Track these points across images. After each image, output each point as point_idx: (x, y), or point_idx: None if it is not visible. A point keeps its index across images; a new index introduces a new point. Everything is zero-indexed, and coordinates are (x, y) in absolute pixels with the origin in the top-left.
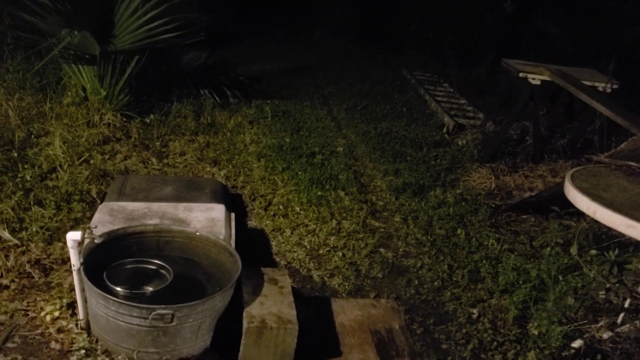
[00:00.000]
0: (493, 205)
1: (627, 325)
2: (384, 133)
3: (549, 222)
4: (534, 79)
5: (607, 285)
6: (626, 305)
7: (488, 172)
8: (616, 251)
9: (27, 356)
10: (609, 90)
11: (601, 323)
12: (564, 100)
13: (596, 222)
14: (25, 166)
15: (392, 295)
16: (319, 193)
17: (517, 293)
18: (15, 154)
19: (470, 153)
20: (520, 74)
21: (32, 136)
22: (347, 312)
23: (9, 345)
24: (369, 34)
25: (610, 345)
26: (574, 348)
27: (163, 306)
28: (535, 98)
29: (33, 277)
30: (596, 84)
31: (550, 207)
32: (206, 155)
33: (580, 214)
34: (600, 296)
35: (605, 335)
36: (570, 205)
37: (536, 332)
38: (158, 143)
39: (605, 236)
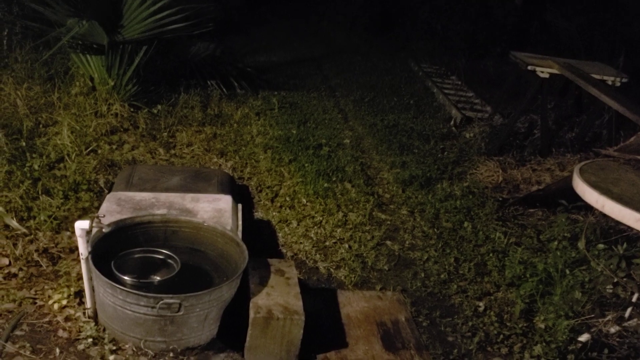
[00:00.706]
0: (500, 199)
1: (635, 320)
2: (391, 125)
3: (556, 216)
4: (542, 71)
5: (615, 280)
6: (634, 299)
7: (495, 165)
8: (624, 245)
9: (35, 344)
10: (618, 84)
11: (608, 317)
12: (573, 93)
13: (604, 216)
14: (34, 155)
15: (398, 287)
16: (326, 185)
17: (523, 286)
18: (24, 143)
19: (477, 146)
20: (529, 67)
21: (40, 126)
22: (353, 304)
23: (17, 333)
24: (377, 25)
25: (618, 339)
26: (580, 342)
27: (170, 295)
28: (543, 91)
29: (41, 266)
30: (605, 78)
31: (558, 201)
32: (213, 146)
33: (588, 208)
34: (607, 290)
35: (612, 330)
36: (578, 198)
37: (543, 326)
38: (165, 133)
39: (613, 230)
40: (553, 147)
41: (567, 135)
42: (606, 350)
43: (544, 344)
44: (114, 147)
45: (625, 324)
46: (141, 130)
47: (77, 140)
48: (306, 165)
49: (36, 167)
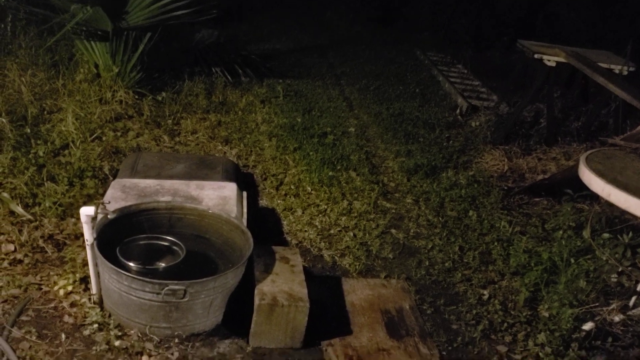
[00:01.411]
0: (505, 188)
1: (639, 308)
2: (396, 114)
3: (561, 205)
4: (549, 60)
5: (620, 269)
6: (638, 288)
7: (501, 154)
8: (630, 234)
9: (41, 329)
10: (625, 73)
11: (613, 306)
12: (579, 82)
13: (610, 205)
14: (38, 142)
15: (402, 275)
16: (331, 173)
17: (528, 275)
18: (28, 130)
19: (483, 135)
20: (536, 55)
21: (45, 112)
22: (357, 292)
23: (23, 318)
24: (381, 14)
25: (622, 328)
26: (584, 330)
27: (175, 282)
28: (550, 80)
29: (46, 252)
30: (612, 67)
31: (564, 190)
32: (218, 134)
33: (593, 197)
34: (612, 279)
35: (616, 318)
36: (583, 188)
37: (547, 314)
38: (170, 121)
39: (619, 220)
40: (559, 136)
41: (573, 124)
42: (610, 339)
43: (547, 332)
44: (119, 134)
45: (630, 312)
46: (146, 117)
47: (82, 127)
48: (311, 153)
49: (41, 153)
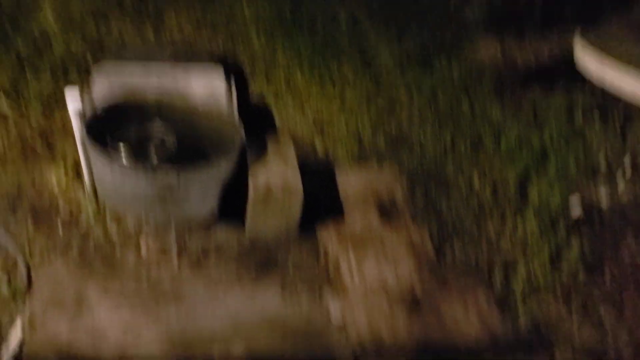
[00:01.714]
0: (498, 75)
1: (627, 192)
2: (388, 3)
3: (554, 92)
4: None
5: (610, 152)
6: (627, 172)
7: (494, 41)
8: (621, 118)
9: (37, 222)
10: None
11: (602, 189)
12: None
13: (603, 92)
14: (18, 37)
15: (395, 164)
16: (322, 65)
17: (519, 160)
18: (7, 24)
19: (476, 23)
20: None
21: (22, 7)
22: (350, 181)
23: (19, 213)
24: None
25: (610, 209)
26: (573, 213)
27: (169, 170)
28: None
29: (36, 147)
30: None
31: (557, 76)
32: (204, 27)
33: (587, 83)
34: (602, 163)
35: (605, 202)
36: (577, 73)
37: (537, 198)
38: (154, 15)
39: (611, 104)
40: (553, 22)
41: (569, 8)
42: (598, 222)
43: (537, 215)
44: (102, 28)
45: (618, 193)
46: (129, 11)
47: (63, 20)
48: (301, 45)
49: (22, 48)
